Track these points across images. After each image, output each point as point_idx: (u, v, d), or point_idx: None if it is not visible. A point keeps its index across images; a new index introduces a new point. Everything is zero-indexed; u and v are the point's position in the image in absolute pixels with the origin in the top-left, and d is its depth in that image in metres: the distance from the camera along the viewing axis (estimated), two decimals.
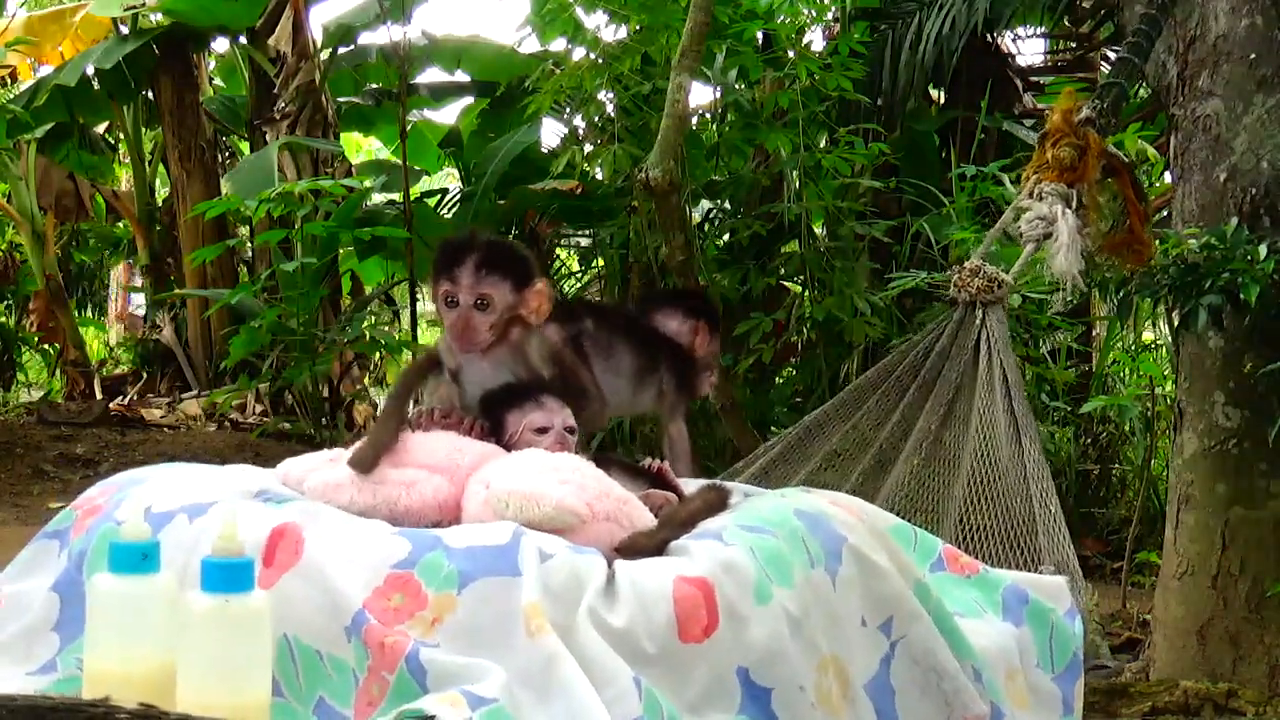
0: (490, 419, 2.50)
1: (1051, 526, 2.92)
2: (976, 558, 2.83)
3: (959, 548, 2.86)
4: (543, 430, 2.46)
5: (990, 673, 2.35)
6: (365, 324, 9.08)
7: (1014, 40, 8.98)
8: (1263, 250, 3.53)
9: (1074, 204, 3.45)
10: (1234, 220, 3.78)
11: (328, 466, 2.39)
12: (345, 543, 2.05)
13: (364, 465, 2.36)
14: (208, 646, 1.74)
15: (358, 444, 2.40)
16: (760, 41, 7.11)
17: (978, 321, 3.32)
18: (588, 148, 6.92)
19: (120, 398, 10.73)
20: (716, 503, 2.44)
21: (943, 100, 8.56)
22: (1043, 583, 2.64)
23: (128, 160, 12.09)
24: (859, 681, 2.20)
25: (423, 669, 1.87)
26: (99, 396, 10.68)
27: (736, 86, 6.75)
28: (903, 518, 2.92)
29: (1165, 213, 5.21)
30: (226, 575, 1.75)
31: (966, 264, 3.44)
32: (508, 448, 2.43)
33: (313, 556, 2.02)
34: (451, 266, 2.51)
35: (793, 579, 2.14)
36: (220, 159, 11.40)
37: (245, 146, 11.26)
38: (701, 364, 3.09)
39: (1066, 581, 2.68)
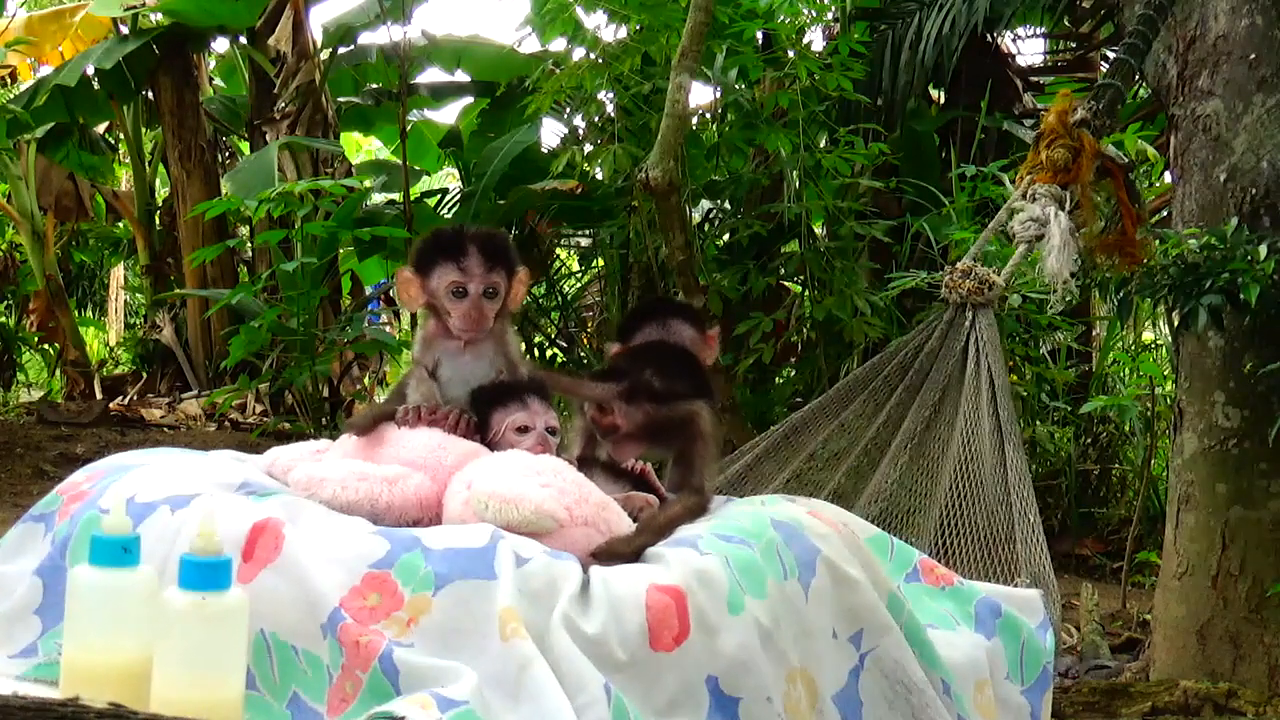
0: (477, 416, 2.50)
1: (1030, 537, 2.91)
2: (955, 562, 2.84)
3: (939, 551, 2.87)
4: (524, 430, 2.47)
5: (959, 686, 2.36)
6: (365, 324, 9.07)
7: (1014, 40, 8.98)
8: (1263, 250, 3.52)
9: (1067, 206, 3.44)
10: (1234, 220, 3.76)
11: (313, 459, 2.39)
12: (324, 540, 2.06)
13: (360, 428, 2.47)
14: (184, 643, 1.75)
15: (357, 414, 2.44)
16: (760, 41, 7.11)
17: (967, 323, 3.31)
18: (588, 148, 6.92)
19: (120, 398, 10.72)
20: (696, 509, 2.44)
21: (943, 100, 8.55)
22: (1016, 595, 2.66)
23: (128, 160, 12.10)
24: (827, 693, 2.21)
25: (396, 669, 1.88)
26: (99, 396, 10.68)
27: (736, 86, 6.74)
28: (886, 517, 2.92)
29: (1165, 213, 5.19)
30: (204, 573, 1.77)
31: (958, 265, 3.43)
32: (490, 445, 2.43)
33: (292, 553, 2.03)
34: (459, 257, 2.58)
35: (765, 590, 2.15)
36: (220, 159, 11.40)
37: (245, 146, 11.26)
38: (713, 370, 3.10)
39: (1041, 595, 2.68)
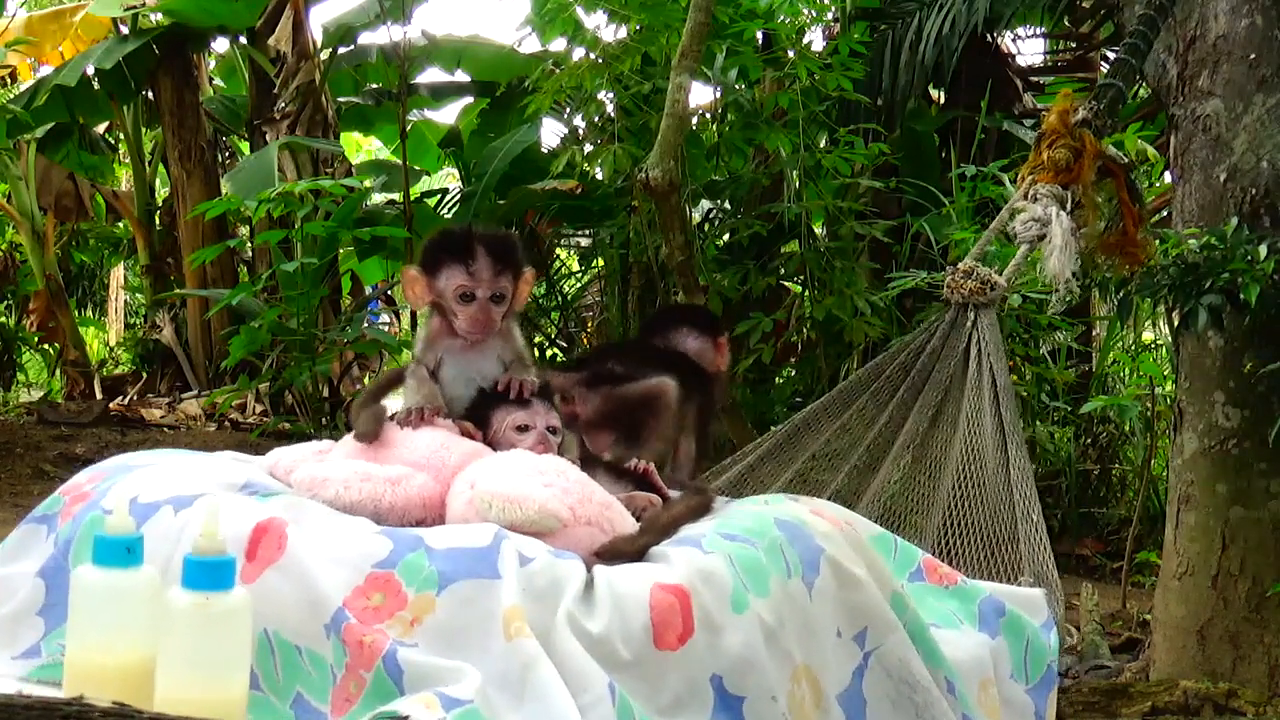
0: (478, 415, 2.51)
1: (1032, 536, 2.91)
2: (958, 562, 2.84)
3: (942, 552, 2.87)
4: (524, 429, 2.46)
5: (963, 684, 2.36)
6: (365, 324, 9.08)
7: (1014, 40, 8.99)
8: (1263, 250, 3.51)
9: (1069, 206, 3.44)
10: (1234, 220, 3.76)
11: (315, 460, 2.39)
12: (328, 540, 2.06)
13: (368, 435, 2.45)
14: (187, 643, 1.75)
15: (359, 419, 2.45)
16: (760, 41, 7.11)
17: (969, 324, 3.31)
18: (588, 148, 6.91)
19: (120, 398, 10.72)
20: (699, 508, 2.44)
21: (943, 100, 8.55)
22: (1020, 595, 2.65)
23: (128, 160, 12.10)
24: (831, 692, 2.21)
25: (400, 669, 1.88)
26: (99, 396, 10.68)
27: (736, 86, 6.74)
28: (888, 518, 2.92)
29: (1165, 213, 5.19)
30: (208, 573, 1.77)
31: (959, 265, 3.42)
32: (491, 444, 2.43)
33: (295, 553, 2.03)
34: (468, 261, 2.57)
35: (769, 589, 2.15)
36: (220, 159, 11.41)
37: (245, 146, 11.27)
38: (719, 378, 3.09)
39: (1044, 594, 2.68)
